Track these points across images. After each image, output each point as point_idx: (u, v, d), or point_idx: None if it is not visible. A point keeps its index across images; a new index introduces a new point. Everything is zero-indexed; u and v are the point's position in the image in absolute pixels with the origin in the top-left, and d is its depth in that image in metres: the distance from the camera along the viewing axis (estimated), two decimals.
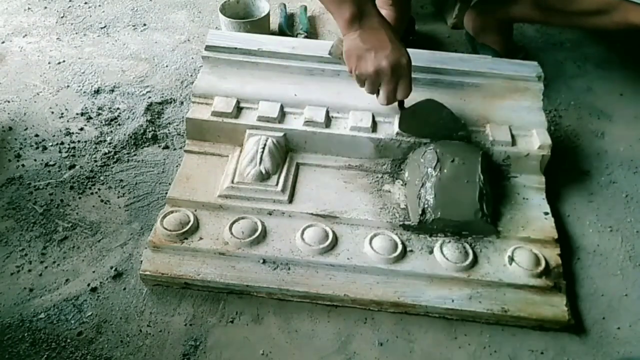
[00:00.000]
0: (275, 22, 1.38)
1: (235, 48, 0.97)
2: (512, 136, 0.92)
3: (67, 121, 1.06)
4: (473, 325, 0.77)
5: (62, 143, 1.01)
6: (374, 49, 0.82)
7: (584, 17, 1.06)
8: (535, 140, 0.92)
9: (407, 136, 0.91)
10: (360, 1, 0.82)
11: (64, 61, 1.21)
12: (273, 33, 1.34)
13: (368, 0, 0.84)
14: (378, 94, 0.87)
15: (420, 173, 0.87)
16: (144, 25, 1.36)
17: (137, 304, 0.78)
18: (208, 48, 0.98)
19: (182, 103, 1.12)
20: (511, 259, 0.81)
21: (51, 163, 0.97)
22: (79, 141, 1.02)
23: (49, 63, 1.21)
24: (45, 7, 1.40)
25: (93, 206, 0.91)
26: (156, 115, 1.09)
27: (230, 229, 0.82)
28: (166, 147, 1.02)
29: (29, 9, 1.39)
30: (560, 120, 1.13)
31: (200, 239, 0.81)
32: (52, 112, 1.08)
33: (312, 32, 1.35)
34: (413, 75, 0.98)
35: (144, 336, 0.74)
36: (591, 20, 1.06)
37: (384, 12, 1.22)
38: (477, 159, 0.88)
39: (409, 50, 1.02)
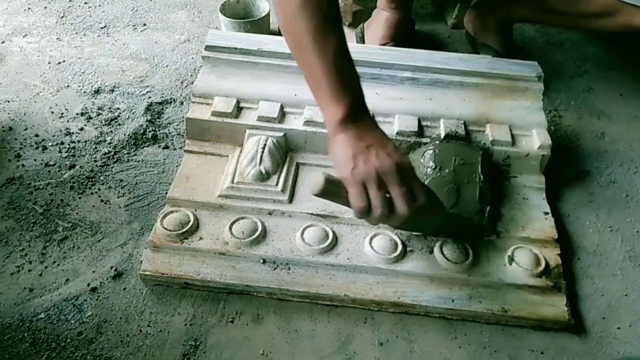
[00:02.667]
0: (275, 22, 1.37)
1: (235, 48, 0.97)
2: (512, 136, 0.92)
3: (67, 121, 1.06)
4: (473, 325, 0.77)
5: (62, 143, 1.01)
6: (374, 146, 0.68)
7: (586, 19, 1.06)
8: (535, 140, 0.92)
9: (406, 136, 0.91)
10: (357, 100, 0.71)
11: (64, 61, 1.21)
12: (273, 33, 1.34)
13: (363, 98, 0.72)
14: (386, 206, 0.67)
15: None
16: (144, 25, 1.36)
17: (137, 304, 0.78)
18: (208, 48, 0.98)
19: (182, 103, 1.12)
20: (511, 259, 0.81)
21: (51, 163, 0.98)
22: (79, 141, 1.02)
23: (49, 63, 1.21)
24: (45, 7, 1.40)
25: (93, 206, 0.91)
26: (156, 115, 1.09)
27: (230, 229, 0.82)
28: (166, 147, 1.02)
29: (29, 9, 1.39)
30: (560, 120, 1.13)
31: (200, 239, 0.81)
32: (52, 112, 1.08)
33: None
34: (413, 75, 0.98)
35: (144, 336, 0.74)
36: (594, 23, 1.06)
37: (385, 14, 1.22)
38: (477, 159, 0.88)
39: (409, 50, 1.03)
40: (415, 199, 0.68)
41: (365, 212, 0.67)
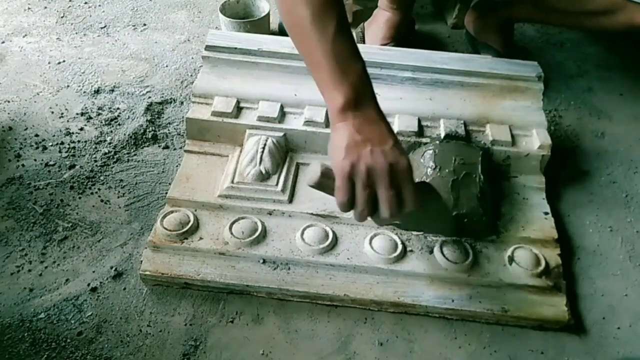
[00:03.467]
0: (275, 22, 1.37)
1: (235, 48, 0.97)
2: (512, 136, 0.92)
3: (67, 121, 1.06)
4: (473, 325, 0.77)
5: (62, 143, 1.01)
6: (370, 141, 0.64)
7: (587, 17, 1.06)
8: (535, 140, 0.92)
9: (406, 135, 0.91)
10: (359, 86, 0.67)
11: (64, 61, 1.21)
12: (273, 33, 1.34)
13: (368, 86, 0.69)
14: (369, 205, 0.65)
15: (420, 173, 0.87)
16: (144, 25, 1.36)
17: (137, 304, 0.78)
18: (208, 48, 0.98)
19: (182, 103, 1.12)
20: (511, 259, 0.81)
21: (51, 163, 0.97)
22: (79, 141, 1.02)
23: (49, 63, 1.21)
24: (45, 7, 1.40)
25: (93, 206, 0.91)
26: (156, 115, 1.09)
27: (230, 229, 0.82)
28: (166, 147, 1.02)
29: (29, 9, 1.39)
30: (560, 120, 1.13)
31: (200, 238, 0.81)
32: (52, 112, 1.08)
33: None
34: (413, 75, 0.98)
35: (144, 336, 0.74)
36: (595, 21, 1.05)
37: (386, 14, 1.22)
38: (477, 159, 0.88)
39: (409, 50, 1.03)
40: (403, 204, 0.65)
41: (347, 207, 0.65)
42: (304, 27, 0.68)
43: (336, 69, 0.67)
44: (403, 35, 1.24)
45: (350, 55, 0.69)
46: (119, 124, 1.06)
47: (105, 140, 1.02)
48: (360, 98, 0.67)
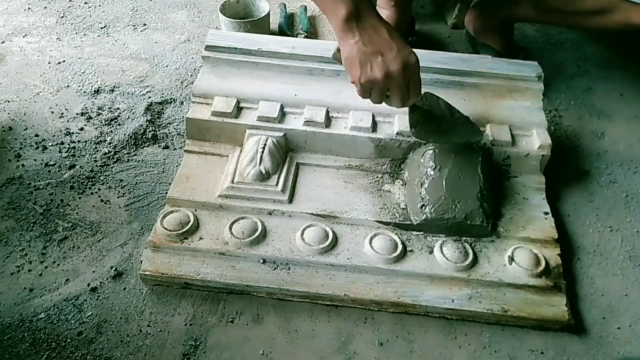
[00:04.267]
0: (275, 22, 1.38)
1: (235, 48, 0.97)
2: (512, 136, 0.92)
3: (67, 121, 1.06)
4: (473, 325, 0.77)
5: (62, 143, 1.01)
6: (379, 52, 0.73)
7: (585, 17, 1.06)
8: (535, 140, 0.92)
9: (406, 135, 0.91)
10: (357, 1, 0.74)
11: (64, 61, 1.21)
12: (273, 33, 1.34)
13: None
14: (383, 99, 0.79)
15: (420, 173, 0.87)
16: (144, 25, 1.36)
17: (137, 304, 0.78)
18: (208, 48, 0.98)
19: (182, 103, 1.12)
20: (511, 259, 0.81)
21: (51, 163, 0.98)
22: (79, 141, 1.02)
23: (49, 63, 1.21)
24: (45, 7, 1.40)
25: (93, 206, 0.91)
26: (156, 115, 1.09)
27: (230, 228, 0.82)
28: (166, 147, 1.02)
29: (29, 9, 1.39)
30: (560, 120, 1.13)
31: (200, 238, 0.81)
32: (52, 112, 1.08)
33: (312, 32, 1.35)
34: None
35: (144, 336, 0.74)
36: (592, 20, 1.06)
37: (385, 12, 1.22)
38: (477, 159, 0.88)
39: None
40: (409, 97, 0.78)
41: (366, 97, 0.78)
42: None
43: None
44: (402, 33, 1.24)
45: None
46: (119, 124, 1.06)
47: (105, 140, 1.02)
48: (360, 8, 0.73)
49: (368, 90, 0.77)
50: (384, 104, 0.80)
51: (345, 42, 0.75)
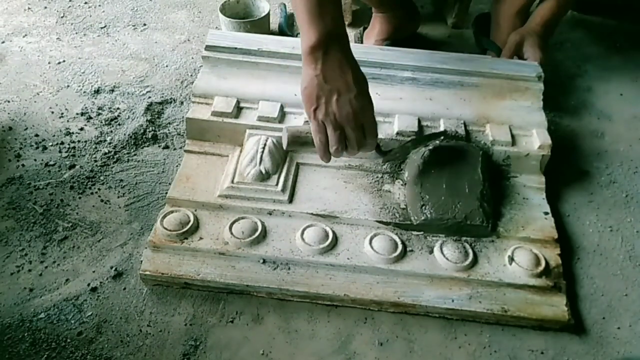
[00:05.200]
0: (275, 22, 1.38)
1: (235, 48, 0.97)
2: (512, 136, 0.92)
3: (67, 121, 1.06)
4: (473, 325, 0.77)
5: (62, 143, 1.01)
6: (337, 90, 0.72)
7: None
8: (535, 140, 0.92)
9: (406, 136, 0.91)
10: (331, 28, 0.72)
11: (64, 61, 1.21)
12: (273, 33, 1.34)
13: (340, 27, 0.74)
14: (341, 144, 0.76)
15: (420, 173, 0.87)
16: (144, 25, 1.36)
17: (137, 304, 0.78)
18: (208, 48, 0.98)
19: (182, 103, 1.12)
20: (511, 259, 0.81)
21: (51, 163, 0.97)
22: (79, 141, 1.02)
23: (49, 63, 1.21)
24: (45, 7, 1.40)
25: (93, 206, 0.91)
26: (156, 115, 1.09)
27: (230, 228, 0.82)
28: (166, 147, 1.02)
29: (29, 9, 1.39)
30: (560, 120, 1.13)
31: (200, 238, 0.81)
32: (52, 112, 1.08)
33: None
34: (413, 75, 0.98)
35: (144, 336, 0.74)
36: None
37: (378, 16, 1.23)
38: (477, 159, 0.88)
39: (409, 50, 1.03)
40: (365, 140, 0.77)
41: (324, 148, 0.76)
42: None
43: (312, 9, 0.72)
44: (400, 35, 1.25)
45: None
46: (119, 124, 1.06)
47: (105, 140, 1.02)
48: (331, 40, 0.72)
49: (322, 127, 0.75)
50: (344, 152, 0.77)
51: (306, 70, 0.74)
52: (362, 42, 1.29)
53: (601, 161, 1.04)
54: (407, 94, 0.97)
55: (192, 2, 1.45)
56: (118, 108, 1.10)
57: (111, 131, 1.05)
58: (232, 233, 0.81)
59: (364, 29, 1.32)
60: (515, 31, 1.13)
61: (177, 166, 0.97)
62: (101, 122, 1.06)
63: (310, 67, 0.73)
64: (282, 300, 0.78)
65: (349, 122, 0.74)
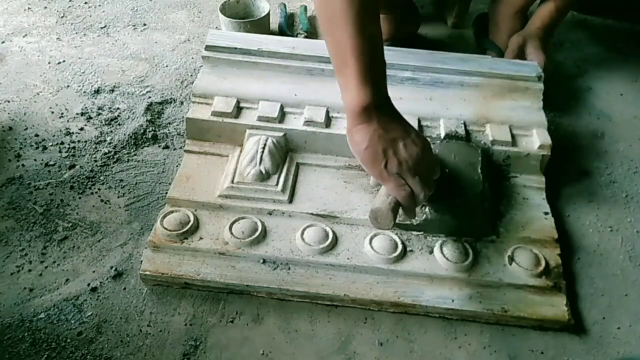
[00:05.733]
0: (275, 22, 1.38)
1: (235, 48, 0.97)
2: (512, 136, 0.92)
3: (67, 121, 1.06)
4: (473, 325, 0.77)
5: (62, 143, 1.01)
6: (400, 137, 0.70)
7: None
8: (535, 140, 0.92)
9: None
10: (382, 85, 0.70)
11: (64, 61, 1.21)
12: (273, 33, 1.34)
13: (386, 85, 0.72)
14: (425, 189, 0.72)
15: None
16: (144, 25, 1.36)
17: (137, 304, 0.78)
18: (208, 48, 0.98)
19: (182, 103, 1.12)
20: (511, 259, 0.81)
21: (51, 163, 0.97)
22: (79, 141, 1.02)
23: (49, 63, 1.21)
24: (45, 7, 1.40)
25: (93, 206, 0.91)
26: (156, 115, 1.09)
27: (230, 228, 0.82)
28: (166, 147, 1.02)
29: (29, 9, 1.39)
30: (560, 120, 1.13)
31: (200, 238, 0.81)
32: (52, 112, 1.08)
33: (312, 32, 1.35)
34: (413, 75, 0.98)
35: (144, 336, 0.74)
36: None
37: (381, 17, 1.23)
38: (477, 159, 0.88)
39: (409, 50, 1.03)
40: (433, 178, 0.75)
41: (411, 198, 0.72)
42: (345, 10, 0.66)
43: (368, 66, 0.67)
44: (400, 37, 1.25)
45: (382, 54, 0.70)
46: (119, 124, 1.06)
47: (105, 140, 1.02)
48: (383, 98, 0.71)
49: (400, 180, 0.71)
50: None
51: (362, 129, 0.70)
52: None
53: (601, 161, 1.04)
54: (407, 94, 0.97)
55: (192, 2, 1.45)
56: (118, 108, 1.10)
57: (111, 131, 1.05)
58: (232, 233, 0.81)
59: None
60: (517, 33, 1.13)
61: (177, 166, 0.97)
62: (101, 122, 1.06)
63: (362, 125, 0.70)
64: (282, 300, 0.78)
65: (419, 165, 0.71)
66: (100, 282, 0.80)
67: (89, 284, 0.80)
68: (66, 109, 1.09)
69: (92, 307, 0.77)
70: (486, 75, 0.98)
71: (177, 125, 1.07)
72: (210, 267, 0.79)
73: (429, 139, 0.90)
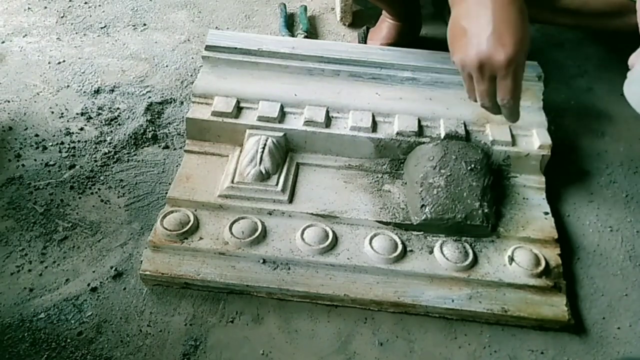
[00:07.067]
0: (275, 22, 1.37)
1: (235, 48, 0.97)
2: (512, 136, 0.92)
3: (67, 121, 1.06)
4: (473, 325, 0.77)
5: (62, 143, 1.01)
6: (469, 31, 0.63)
7: (596, 18, 1.05)
8: (535, 140, 0.92)
9: (406, 136, 0.91)
10: None
11: (64, 61, 1.21)
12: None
13: None
14: (488, 96, 0.69)
15: (420, 173, 0.87)
16: (144, 25, 1.36)
17: (137, 304, 0.78)
18: (208, 48, 0.98)
19: (182, 103, 1.12)
20: (511, 259, 0.81)
21: (51, 163, 0.98)
22: (79, 141, 1.02)
23: (49, 63, 1.21)
24: (45, 7, 1.40)
25: (93, 206, 0.91)
26: (156, 115, 1.09)
27: (230, 228, 0.82)
28: (166, 147, 1.02)
29: (29, 9, 1.39)
30: (560, 120, 1.13)
31: (200, 238, 0.81)
32: (52, 112, 1.08)
33: (312, 32, 1.35)
34: (413, 75, 0.98)
35: (144, 336, 0.74)
36: (603, 22, 1.04)
37: (389, 22, 1.22)
38: (477, 159, 0.88)
39: (409, 50, 1.02)
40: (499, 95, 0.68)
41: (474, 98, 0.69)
42: None
43: None
44: (403, 40, 1.25)
45: None
46: (119, 124, 1.06)
47: (105, 140, 1.02)
48: None
49: (467, 76, 0.67)
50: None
51: (455, 6, 0.66)
52: (365, 42, 1.29)
53: (601, 161, 1.04)
54: (407, 94, 0.97)
55: (192, 2, 1.45)
56: (118, 108, 1.10)
57: (111, 131, 1.05)
58: (232, 233, 0.81)
59: (367, 28, 1.32)
60: None
61: (177, 166, 0.97)
62: (101, 122, 1.06)
63: (457, 3, 0.65)
64: (282, 300, 0.78)
65: (475, 73, 0.67)
66: (100, 282, 0.80)
67: (89, 284, 0.80)
68: (66, 109, 1.09)
69: (92, 307, 0.77)
70: None
71: (177, 125, 1.07)
72: (210, 267, 0.79)
73: (428, 139, 0.91)
